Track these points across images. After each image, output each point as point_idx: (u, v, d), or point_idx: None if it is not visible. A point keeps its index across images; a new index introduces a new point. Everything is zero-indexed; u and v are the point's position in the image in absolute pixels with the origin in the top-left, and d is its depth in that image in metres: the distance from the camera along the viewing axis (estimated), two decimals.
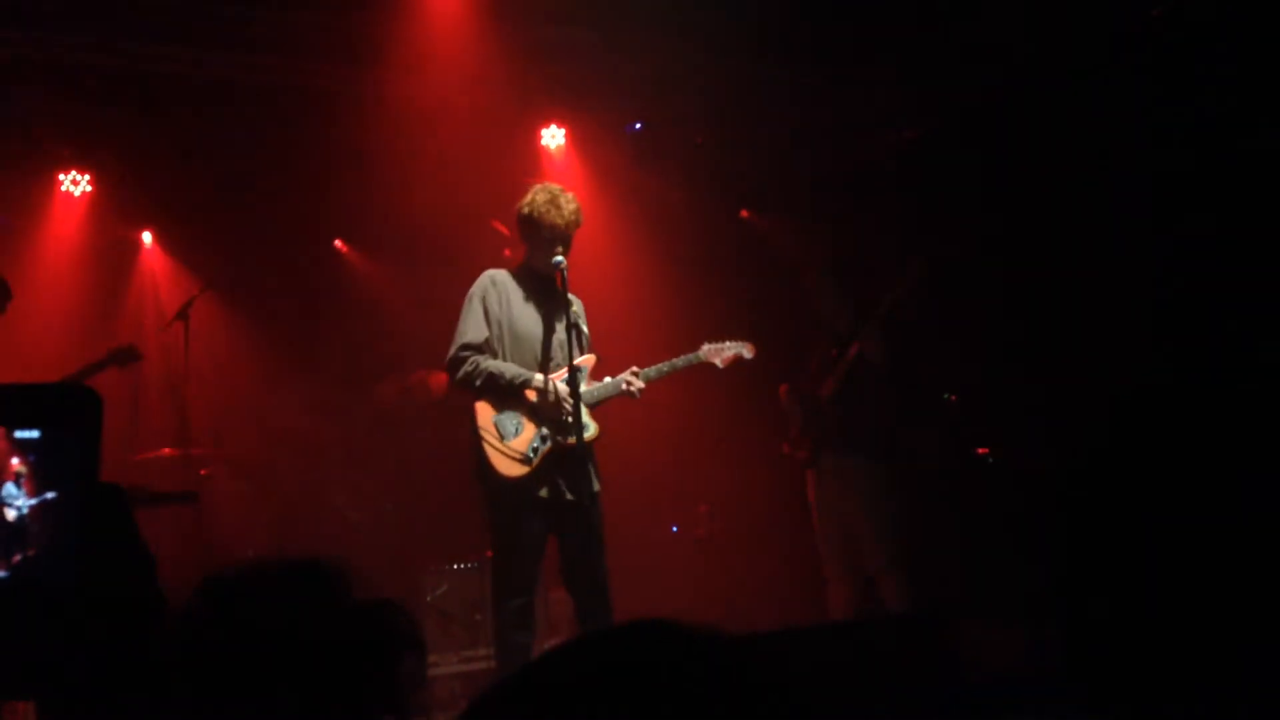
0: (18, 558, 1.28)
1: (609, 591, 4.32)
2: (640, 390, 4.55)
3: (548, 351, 4.50)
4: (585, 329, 4.54)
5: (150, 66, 6.04)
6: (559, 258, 4.38)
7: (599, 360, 4.64)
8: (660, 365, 4.66)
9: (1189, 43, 5.16)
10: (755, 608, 6.33)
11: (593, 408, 4.53)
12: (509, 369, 4.39)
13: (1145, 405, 1.18)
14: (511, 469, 4.33)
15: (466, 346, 4.40)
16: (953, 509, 6.14)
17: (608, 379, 4.61)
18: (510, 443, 4.36)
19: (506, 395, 4.39)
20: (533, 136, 7.24)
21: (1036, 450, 5.61)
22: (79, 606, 1.27)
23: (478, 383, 4.37)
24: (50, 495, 1.27)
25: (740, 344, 4.84)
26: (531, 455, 4.35)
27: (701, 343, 4.83)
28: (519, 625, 4.32)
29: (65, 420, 1.29)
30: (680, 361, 4.72)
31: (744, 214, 7.86)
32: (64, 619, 1.27)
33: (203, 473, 6.55)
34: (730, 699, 0.78)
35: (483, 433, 4.36)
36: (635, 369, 4.58)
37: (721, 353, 4.79)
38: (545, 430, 4.38)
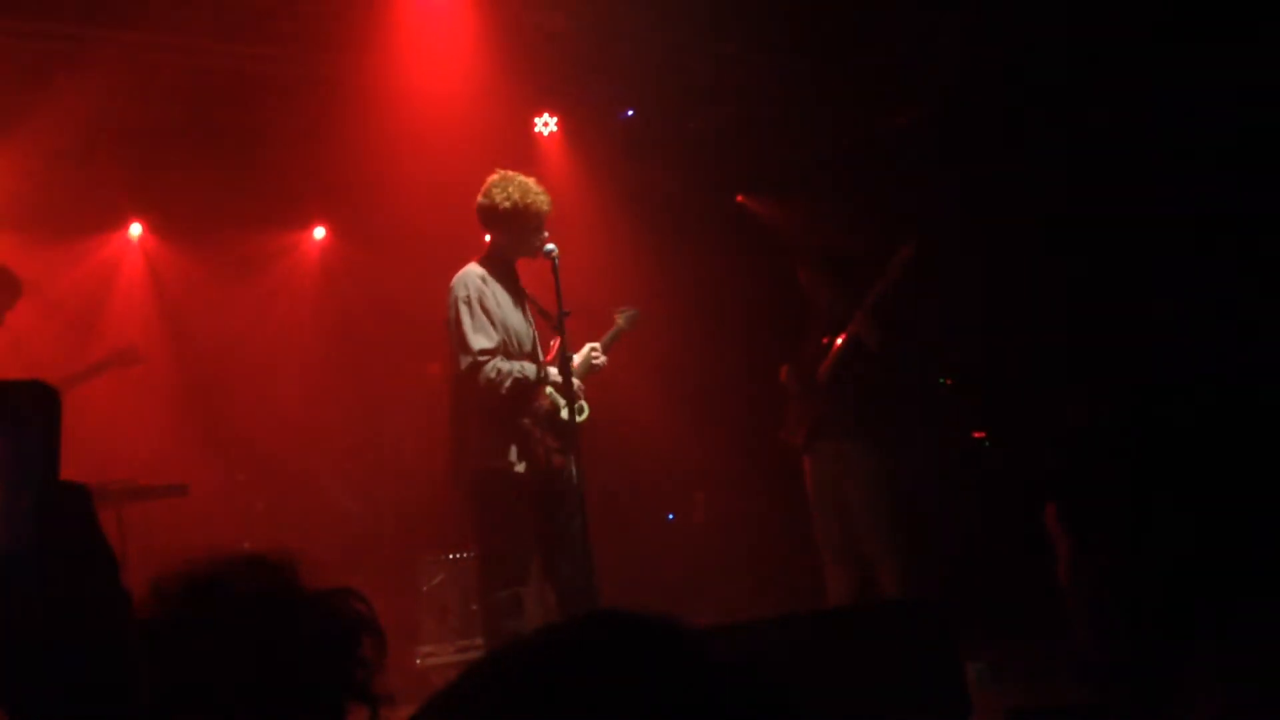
0: None
1: (594, 578, 4.32)
2: (604, 363, 4.69)
3: (536, 341, 4.51)
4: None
5: (142, 55, 5.99)
6: (551, 245, 4.38)
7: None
8: (604, 339, 4.80)
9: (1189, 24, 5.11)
10: (753, 595, 6.32)
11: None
12: (529, 368, 4.38)
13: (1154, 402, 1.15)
14: (549, 460, 4.36)
15: (485, 352, 4.31)
16: (949, 494, 6.13)
17: (573, 356, 4.57)
18: (541, 435, 4.39)
19: (530, 392, 4.38)
20: (526, 125, 7.19)
21: (1032, 435, 5.59)
22: (39, 612, 1.24)
23: (506, 386, 4.31)
24: (6, 497, 1.24)
25: (628, 309, 4.95)
26: (562, 446, 4.39)
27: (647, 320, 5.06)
28: (512, 613, 4.32)
29: (20, 418, 1.25)
30: (620, 327, 4.89)
31: (740, 199, 7.84)
32: (24, 625, 1.24)
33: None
34: (683, 689, 0.76)
35: (525, 424, 4.36)
36: (593, 344, 4.69)
37: (621, 320, 4.93)
38: (563, 419, 4.40)
